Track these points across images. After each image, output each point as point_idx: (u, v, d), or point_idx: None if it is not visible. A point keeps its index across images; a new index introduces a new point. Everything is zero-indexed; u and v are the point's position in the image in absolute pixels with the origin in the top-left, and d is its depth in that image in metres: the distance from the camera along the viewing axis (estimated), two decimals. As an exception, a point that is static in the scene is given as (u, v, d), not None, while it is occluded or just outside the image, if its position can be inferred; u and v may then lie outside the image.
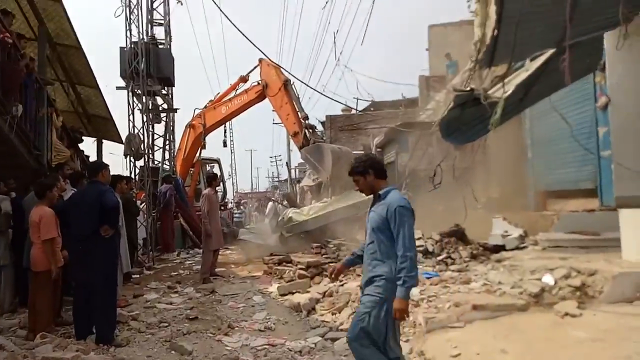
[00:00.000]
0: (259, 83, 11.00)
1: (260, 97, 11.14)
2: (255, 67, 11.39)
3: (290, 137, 10.50)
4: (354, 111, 20.75)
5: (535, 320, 4.16)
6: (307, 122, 10.42)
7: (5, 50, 6.52)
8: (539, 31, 5.02)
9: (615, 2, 4.14)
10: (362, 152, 18.41)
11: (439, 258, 6.44)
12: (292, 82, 10.73)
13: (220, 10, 13.04)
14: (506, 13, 4.54)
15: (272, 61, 11.13)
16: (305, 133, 10.28)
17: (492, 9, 7.39)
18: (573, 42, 4.57)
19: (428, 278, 5.56)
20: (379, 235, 3.04)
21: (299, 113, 10.47)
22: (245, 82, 11.65)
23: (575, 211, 7.02)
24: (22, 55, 7.19)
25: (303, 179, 26.65)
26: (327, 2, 14.37)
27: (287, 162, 31.00)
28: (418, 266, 6.08)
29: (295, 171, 35.35)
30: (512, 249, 6.28)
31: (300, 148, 10.28)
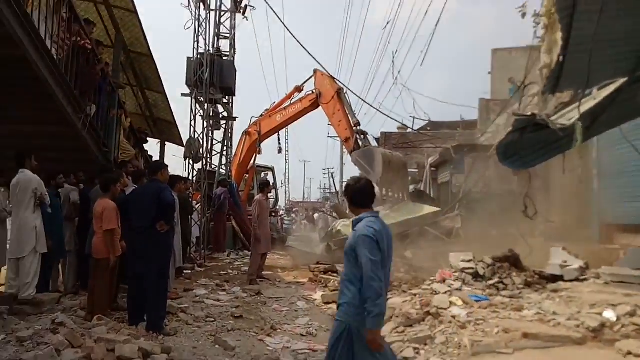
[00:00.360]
0: (313, 92, 11.21)
1: (314, 105, 11.35)
2: (310, 78, 11.63)
3: (342, 143, 10.60)
4: (409, 130, 20.55)
5: (593, 356, 3.90)
6: (358, 128, 10.49)
7: (84, 55, 7.08)
8: (609, 60, 4.81)
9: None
10: (417, 170, 18.19)
11: (490, 282, 6.18)
12: (345, 91, 10.87)
13: (283, 23, 13.45)
14: (574, 40, 4.38)
15: (326, 71, 11.35)
16: (356, 138, 10.35)
17: (559, 35, 7.15)
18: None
19: (477, 301, 5.36)
20: (347, 261, 2.96)
21: (350, 120, 10.58)
22: (300, 91, 11.92)
23: (644, 247, 6.54)
24: (99, 61, 7.78)
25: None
26: (387, 23, 14.44)
27: (331, 173, 31.06)
28: (467, 288, 5.88)
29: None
30: (571, 280, 5.93)
31: (351, 152, 10.35)
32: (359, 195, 3.07)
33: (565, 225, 9.54)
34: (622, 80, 5.22)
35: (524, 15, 6.87)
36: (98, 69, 7.49)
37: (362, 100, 11.03)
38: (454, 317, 4.91)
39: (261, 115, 12.16)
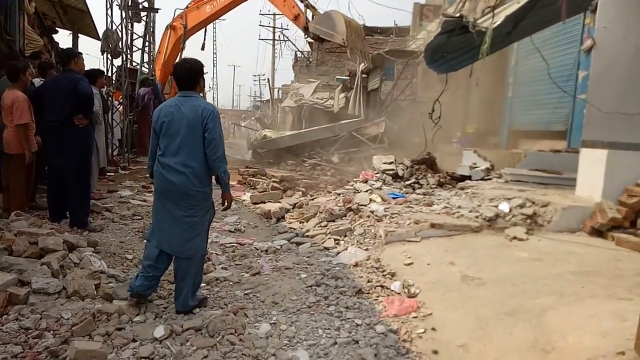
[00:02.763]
0: None
1: None
2: None
3: (292, 22, 10.06)
4: (343, 34, 20.11)
5: (486, 241, 4.50)
6: (307, 1, 9.99)
7: None
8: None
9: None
10: (348, 77, 18.17)
11: (408, 182, 6.71)
12: None
13: None
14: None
15: None
16: (306, 15, 9.92)
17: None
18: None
19: (394, 198, 5.84)
20: None
21: None
22: None
23: (542, 150, 7.30)
24: None
25: (285, 100, 26.30)
26: None
27: (268, 79, 30.32)
28: (386, 187, 6.34)
29: (278, 92, 34.76)
30: (477, 180, 6.57)
31: (304, 28, 9.93)
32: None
33: (480, 131, 10.29)
34: (544, -16, 5.41)
35: None
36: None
37: None
38: (372, 212, 5.35)
39: (187, 7, 11.20)
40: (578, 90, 7.12)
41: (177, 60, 13.02)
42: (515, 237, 4.45)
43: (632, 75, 6.48)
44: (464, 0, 10.00)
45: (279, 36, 34.80)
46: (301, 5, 10.02)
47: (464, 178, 6.80)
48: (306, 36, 10.22)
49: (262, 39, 36.52)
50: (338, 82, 20.09)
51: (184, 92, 3.19)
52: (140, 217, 5.69)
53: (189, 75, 3.18)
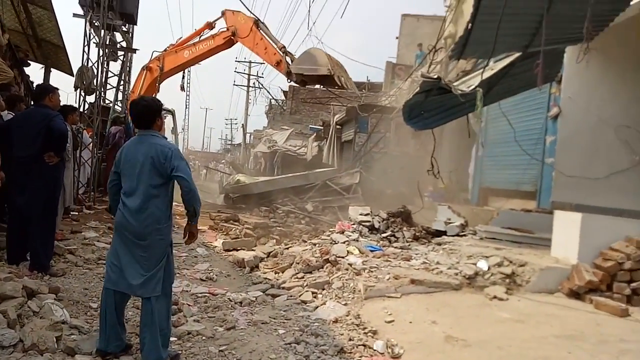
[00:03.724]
0: (228, 29, 10.62)
1: (228, 43, 10.78)
2: (219, 18, 10.99)
3: (274, 68, 10.17)
4: (318, 85, 20.68)
5: (466, 299, 4.47)
6: (285, 49, 10.19)
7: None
8: (509, 34, 5.26)
9: (583, 19, 4.41)
10: (322, 127, 18.49)
11: (384, 235, 6.69)
12: (262, 22, 10.45)
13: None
14: (482, 10, 4.70)
15: (235, 11, 10.79)
16: (286, 60, 10.09)
17: (468, 6, 7.56)
18: (539, 49, 4.83)
19: (372, 251, 5.77)
20: None
21: (275, 45, 10.26)
22: (212, 28, 11.21)
23: (514, 209, 7.49)
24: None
25: (258, 145, 26.38)
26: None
27: (243, 125, 30.49)
28: (363, 239, 6.29)
29: (250, 137, 34.92)
30: (453, 236, 6.62)
31: (287, 73, 10.03)
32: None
33: (452, 187, 10.54)
34: (516, 55, 5.76)
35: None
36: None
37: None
38: (350, 264, 5.24)
39: (165, 50, 11.24)
40: (546, 153, 7.46)
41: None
42: (495, 297, 4.43)
43: (595, 142, 6.88)
44: (436, 62, 10.53)
45: (253, 83, 35.43)
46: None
47: (439, 233, 6.84)
48: (289, 80, 10.41)
49: (236, 85, 37.09)
50: (311, 131, 20.41)
51: (141, 131, 3.16)
52: (105, 262, 5.34)
53: (145, 113, 3.14)
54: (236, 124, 47.41)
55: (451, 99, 6.04)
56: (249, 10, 10.70)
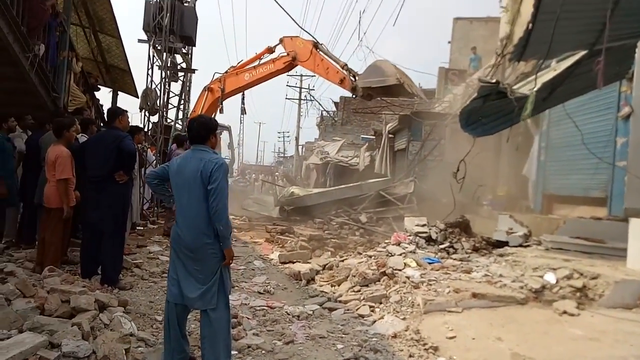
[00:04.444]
0: (288, 54, 10.95)
1: (288, 67, 11.15)
2: (278, 44, 11.35)
3: (338, 85, 10.44)
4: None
5: (533, 314, 4.22)
6: (347, 66, 10.37)
7: (34, -12, 6.47)
8: (573, 31, 4.97)
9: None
10: (374, 137, 18.40)
11: (442, 246, 6.48)
12: (321, 43, 10.69)
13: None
14: (543, 9, 4.49)
15: (293, 37, 11.12)
16: (350, 77, 10.28)
17: (525, 5, 7.24)
18: (607, 46, 4.52)
19: (430, 263, 5.62)
20: None
21: (337, 64, 10.48)
22: (272, 52, 11.59)
23: (582, 217, 7.03)
24: (49, -4, 7.13)
25: (310, 157, 26.64)
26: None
27: (296, 137, 30.96)
28: (420, 251, 6.14)
29: (302, 149, 35.37)
30: (516, 246, 6.31)
31: (352, 89, 10.25)
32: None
33: (510, 194, 10.07)
34: (581, 53, 5.43)
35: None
36: (48, 4, 6.87)
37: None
38: (408, 277, 5.13)
39: (226, 72, 11.73)
40: (617, 156, 6.95)
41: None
42: (565, 312, 4.16)
43: (673, 142, 6.34)
44: (494, 65, 10.18)
45: (305, 96, 35.95)
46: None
47: (501, 244, 6.54)
48: (354, 96, 10.59)
49: (288, 99, 37.76)
50: (363, 141, 20.34)
51: (195, 146, 3.25)
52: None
53: (200, 129, 3.24)
54: (288, 136, 48.30)
55: (511, 103, 5.80)
56: (305, 31, 11.06)
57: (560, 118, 8.31)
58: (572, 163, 8.22)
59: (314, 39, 10.75)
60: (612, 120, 7.17)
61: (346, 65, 10.30)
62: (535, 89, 5.27)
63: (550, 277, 4.66)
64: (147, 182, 3.46)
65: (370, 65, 10.19)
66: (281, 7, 9.78)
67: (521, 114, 5.40)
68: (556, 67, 5.97)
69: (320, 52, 10.49)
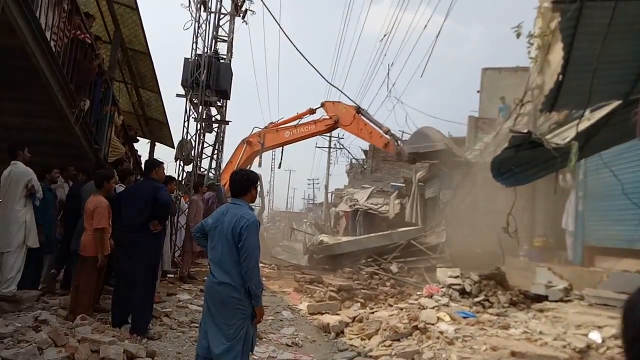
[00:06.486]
0: (331, 118, 11.36)
1: (329, 129, 11.59)
2: (319, 107, 11.81)
3: (382, 149, 10.75)
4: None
5: (579, 376, 3.95)
6: (390, 131, 10.66)
7: (83, 49, 6.99)
8: (607, 82, 4.93)
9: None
10: (403, 184, 18.29)
11: (477, 299, 6.24)
12: (363, 108, 11.08)
13: (279, 26, 13.42)
14: (573, 60, 4.49)
15: (335, 102, 11.60)
16: (394, 142, 10.55)
17: (554, 54, 7.26)
18: (640, 97, 4.46)
19: (464, 317, 5.39)
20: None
21: (380, 129, 10.78)
22: (313, 113, 12.03)
23: (627, 271, 6.65)
24: (96, 56, 7.68)
25: (339, 204, 26.62)
26: (385, 35, 14.60)
27: (326, 186, 31.15)
28: (454, 304, 5.92)
29: (331, 196, 35.44)
30: (556, 301, 6.00)
31: (397, 153, 10.49)
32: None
33: (548, 245, 9.68)
34: (616, 103, 5.36)
35: (518, 35, 7.01)
36: (95, 64, 7.40)
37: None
38: (441, 332, 4.93)
39: (266, 127, 12.17)
40: (663, 207, 6.64)
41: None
42: (614, 375, 3.87)
43: None
44: (523, 115, 10.13)
45: (334, 144, 36.45)
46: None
47: (539, 298, 6.24)
48: (398, 160, 10.91)
49: (318, 147, 38.36)
50: (393, 188, 20.21)
51: (234, 200, 3.31)
52: (197, 325, 5.54)
53: (242, 182, 3.31)
54: (318, 183, 48.59)
55: (544, 152, 5.70)
56: (348, 97, 11.53)
57: (598, 167, 8.08)
58: (613, 213, 7.89)
59: (355, 105, 11.14)
60: (654, 168, 6.92)
61: (389, 130, 10.61)
62: (570, 138, 5.18)
63: (596, 336, 4.38)
64: (194, 237, 3.53)
65: (416, 132, 10.52)
66: (313, 66, 10.22)
67: (565, 165, 5.31)
68: (590, 117, 5.88)
69: (363, 117, 10.84)
